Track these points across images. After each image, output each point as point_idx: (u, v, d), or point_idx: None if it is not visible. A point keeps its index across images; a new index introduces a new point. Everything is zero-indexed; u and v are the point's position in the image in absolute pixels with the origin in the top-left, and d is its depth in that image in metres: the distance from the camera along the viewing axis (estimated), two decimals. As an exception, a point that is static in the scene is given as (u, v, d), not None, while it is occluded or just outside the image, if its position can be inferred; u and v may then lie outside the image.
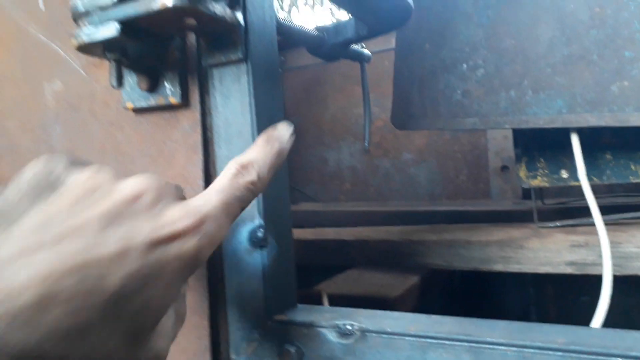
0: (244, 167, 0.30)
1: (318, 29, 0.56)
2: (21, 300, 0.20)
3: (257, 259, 0.39)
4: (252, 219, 0.39)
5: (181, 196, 0.30)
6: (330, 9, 2.33)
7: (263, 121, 0.39)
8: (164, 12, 0.33)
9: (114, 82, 0.39)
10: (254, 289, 0.39)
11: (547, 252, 0.62)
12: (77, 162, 0.28)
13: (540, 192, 0.93)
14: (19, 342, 0.20)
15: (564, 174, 0.70)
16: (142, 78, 0.42)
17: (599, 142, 0.67)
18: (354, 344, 0.36)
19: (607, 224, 0.58)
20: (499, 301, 0.92)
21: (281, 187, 0.42)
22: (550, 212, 0.87)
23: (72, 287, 0.21)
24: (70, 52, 0.49)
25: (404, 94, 0.72)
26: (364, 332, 0.36)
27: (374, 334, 0.35)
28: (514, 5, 0.65)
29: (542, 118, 0.63)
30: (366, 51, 0.68)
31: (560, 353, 0.29)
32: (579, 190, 0.64)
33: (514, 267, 0.65)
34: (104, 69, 0.47)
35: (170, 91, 0.42)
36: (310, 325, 0.38)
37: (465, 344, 0.32)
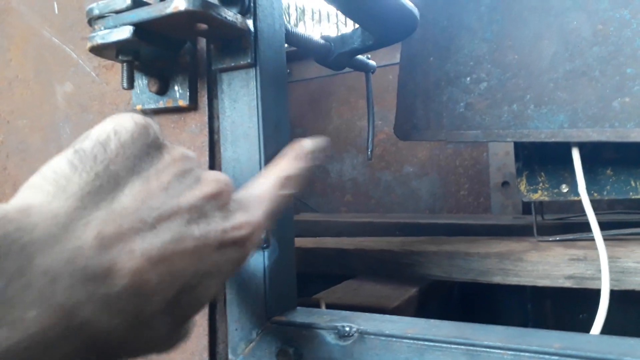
0: (287, 179, 0.32)
1: (325, 38, 0.57)
2: (117, 287, 0.21)
3: (258, 260, 0.40)
4: (256, 221, 0.40)
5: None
6: (337, 24, 2.36)
7: (269, 125, 0.40)
8: (177, 16, 0.34)
9: (125, 84, 0.40)
10: (254, 290, 0.40)
11: (546, 265, 0.63)
12: None
13: (541, 208, 0.93)
14: (100, 326, 0.20)
15: (565, 189, 0.70)
16: (152, 80, 0.43)
17: (599, 157, 0.68)
18: (352, 346, 0.36)
19: (606, 238, 0.59)
20: (497, 315, 0.92)
21: (285, 190, 0.43)
22: (550, 227, 0.88)
23: (157, 279, 0.22)
24: (82, 54, 0.50)
25: (407, 105, 0.73)
26: (362, 334, 0.36)
27: (372, 336, 0.36)
28: (518, 21, 0.66)
29: (544, 132, 0.64)
30: (371, 62, 0.69)
31: (556, 357, 0.30)
32: (579, 207, 0.64)
33: (512, 280, 0.65)
34: (114, 71, 0.48)
35: (179, 94, 0.43)
36: (309, 327, 0.38)
37: (462, 347, 0.33)
